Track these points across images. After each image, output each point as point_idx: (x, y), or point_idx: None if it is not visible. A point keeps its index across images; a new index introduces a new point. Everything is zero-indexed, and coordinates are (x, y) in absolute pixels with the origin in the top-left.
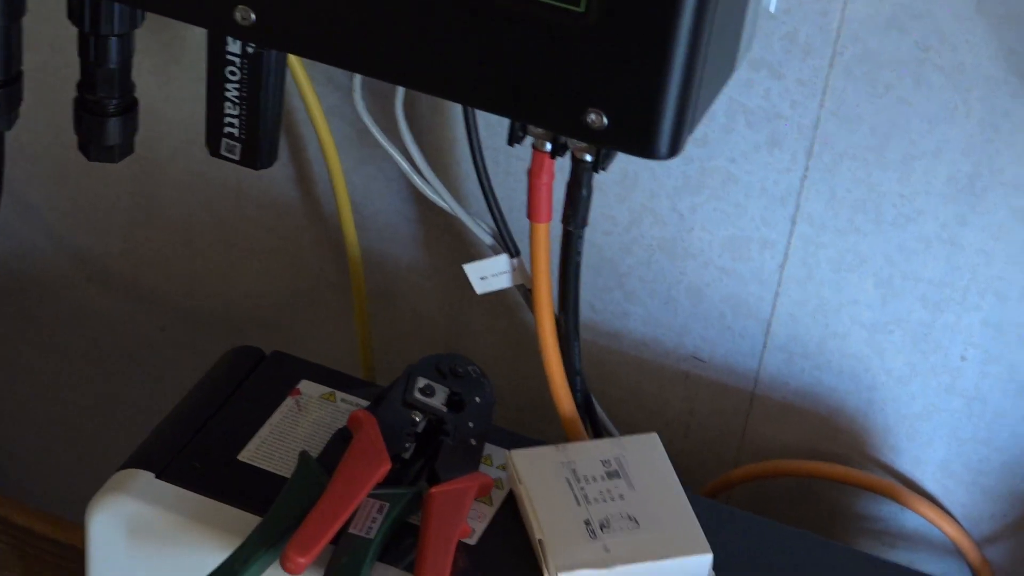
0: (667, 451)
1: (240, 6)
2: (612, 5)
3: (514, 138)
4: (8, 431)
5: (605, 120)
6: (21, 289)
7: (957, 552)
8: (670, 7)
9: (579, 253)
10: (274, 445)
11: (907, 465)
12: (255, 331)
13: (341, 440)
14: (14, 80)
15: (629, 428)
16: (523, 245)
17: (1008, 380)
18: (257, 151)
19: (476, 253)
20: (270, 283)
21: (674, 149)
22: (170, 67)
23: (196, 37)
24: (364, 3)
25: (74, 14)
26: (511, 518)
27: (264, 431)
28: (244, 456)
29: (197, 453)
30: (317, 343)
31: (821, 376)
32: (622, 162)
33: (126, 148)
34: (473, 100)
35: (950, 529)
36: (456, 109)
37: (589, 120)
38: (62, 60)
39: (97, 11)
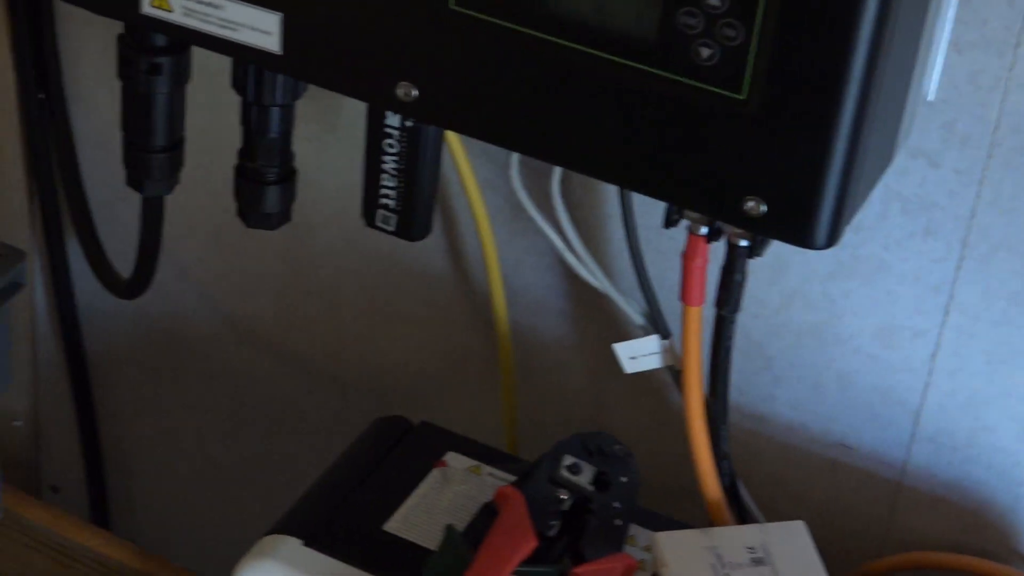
0: None
1: (403, 83)
2: (774, 94)
3: (670, 222)
4: (153, 488)
5: (763, 208)
6: (172, 348)
7: None
8: (833, 96)
9: (731, 338)
10: (420, 516)
11: None
12: (400, 399)
13: (487, 515)
14: (176, 145)
15: (772, 513)
16: (673, 325)
17: None
18: (412, 223)
19: (624, 331)
20: (417, 352)
21: (832, 239)
22: (325, 135)
23: (352, 106)
24: (527, 86)
25: (238, 83)
26: None
27: (410, 502)
28: (390, 527)
29: (344, 521)
30: (462, 414)
31: (970, 469)
32: (774, 245)
33: (283, 216)
34: (633, 184)
35: None
36: (611, 187)
37: (747, 208)
38: (221, 125)
39: (261, 82)
